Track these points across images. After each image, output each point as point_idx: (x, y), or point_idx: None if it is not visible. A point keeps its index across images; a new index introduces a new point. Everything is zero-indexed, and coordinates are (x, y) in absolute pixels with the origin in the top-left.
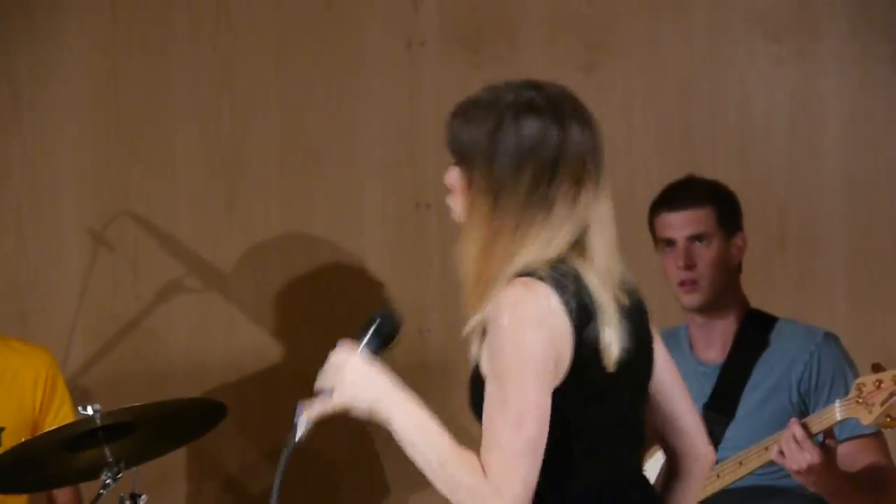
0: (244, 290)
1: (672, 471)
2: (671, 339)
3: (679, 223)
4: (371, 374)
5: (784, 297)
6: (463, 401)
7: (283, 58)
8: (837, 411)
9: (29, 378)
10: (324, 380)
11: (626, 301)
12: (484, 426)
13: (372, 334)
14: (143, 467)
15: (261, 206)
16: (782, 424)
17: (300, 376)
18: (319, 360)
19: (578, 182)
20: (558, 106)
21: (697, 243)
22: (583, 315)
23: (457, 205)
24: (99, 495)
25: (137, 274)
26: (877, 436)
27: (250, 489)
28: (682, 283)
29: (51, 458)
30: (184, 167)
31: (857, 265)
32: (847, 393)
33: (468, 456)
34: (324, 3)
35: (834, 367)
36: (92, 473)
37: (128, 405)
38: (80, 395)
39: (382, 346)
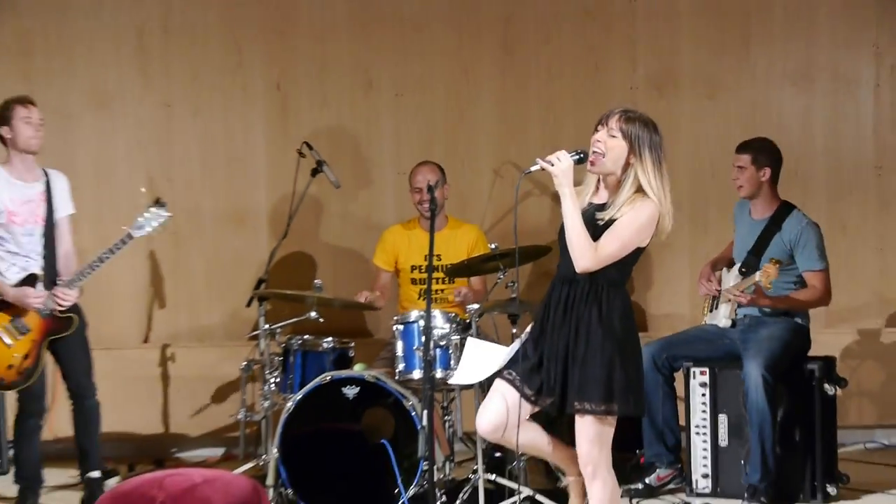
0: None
1: None
2: (743, 206)
3: (736, 159)
4: (568, 172)
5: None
6: None
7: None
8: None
9: (464, 243)
10: (550, 157)
11: None
12: (613, 234)
13: (578, 156)
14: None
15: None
16: (784, 258)
17: None
18: None
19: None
20: (658, 127)
21: (741, 170)
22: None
23: (611, 153)
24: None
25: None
26: (816, 272)
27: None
28: (736, 186)
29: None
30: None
31: None
32: (811, 252)
33: (591, 239)
34: None
35: (807, 239)
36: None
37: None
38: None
39: (577, 164)
